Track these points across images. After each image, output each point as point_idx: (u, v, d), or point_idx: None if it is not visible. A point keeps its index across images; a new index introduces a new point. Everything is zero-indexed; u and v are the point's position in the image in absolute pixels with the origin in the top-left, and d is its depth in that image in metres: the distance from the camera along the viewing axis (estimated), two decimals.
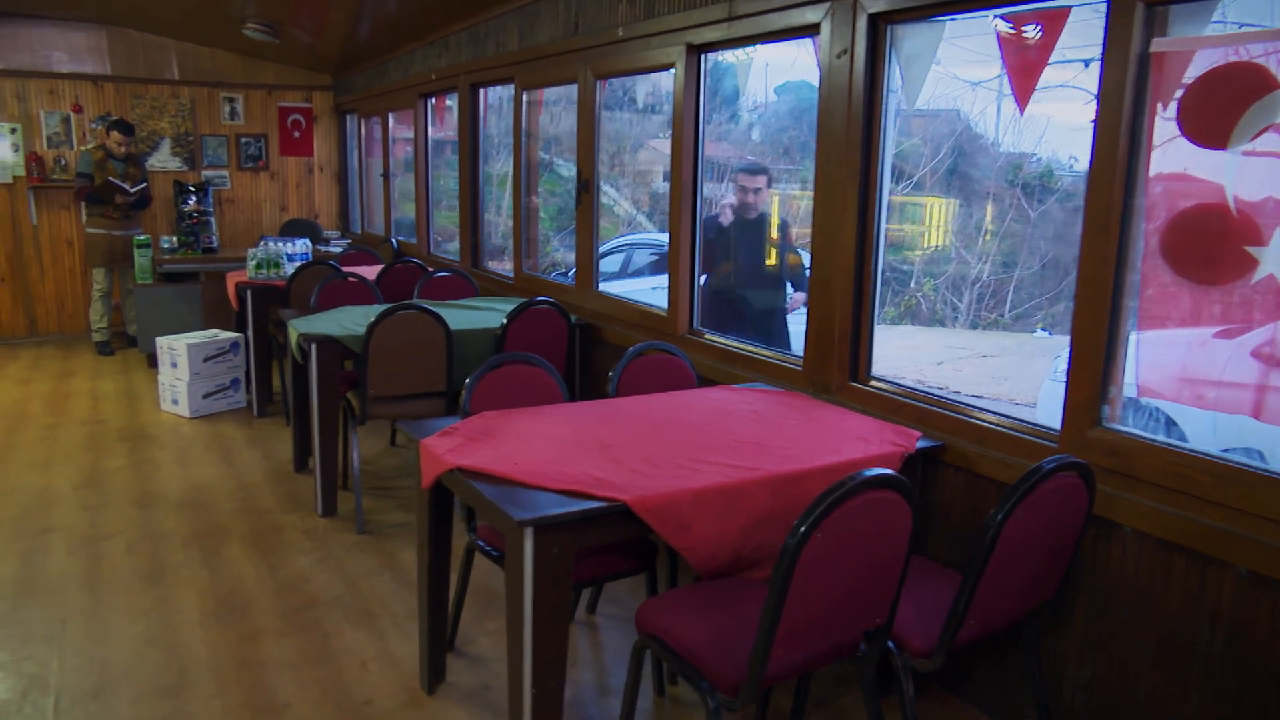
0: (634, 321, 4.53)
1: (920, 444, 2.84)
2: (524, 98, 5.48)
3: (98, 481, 4.81)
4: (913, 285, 10.63)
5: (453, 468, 2.45)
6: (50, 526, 4.23)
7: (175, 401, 6.03)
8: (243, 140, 9.18)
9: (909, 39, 3.05)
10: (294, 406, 4.88)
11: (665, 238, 8.67)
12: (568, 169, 11.42)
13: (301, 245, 6.32)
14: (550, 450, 2.60)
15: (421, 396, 4.30)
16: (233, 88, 9.07)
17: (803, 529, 1.90)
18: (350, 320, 4.42)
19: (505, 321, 4.29)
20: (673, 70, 4.07)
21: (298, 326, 4.28)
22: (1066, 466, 2.21)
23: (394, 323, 4.07)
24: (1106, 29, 2.31)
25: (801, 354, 3.53)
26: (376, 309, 4.67)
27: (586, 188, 4.78)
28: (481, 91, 6.21)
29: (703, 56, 4.05)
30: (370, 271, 5.83)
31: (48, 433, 5.66)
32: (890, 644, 2.33)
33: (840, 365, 3.34)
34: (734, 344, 3.93)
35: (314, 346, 4.15)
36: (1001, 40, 2.72)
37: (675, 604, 2.44)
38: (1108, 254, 2.39)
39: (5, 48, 8.17)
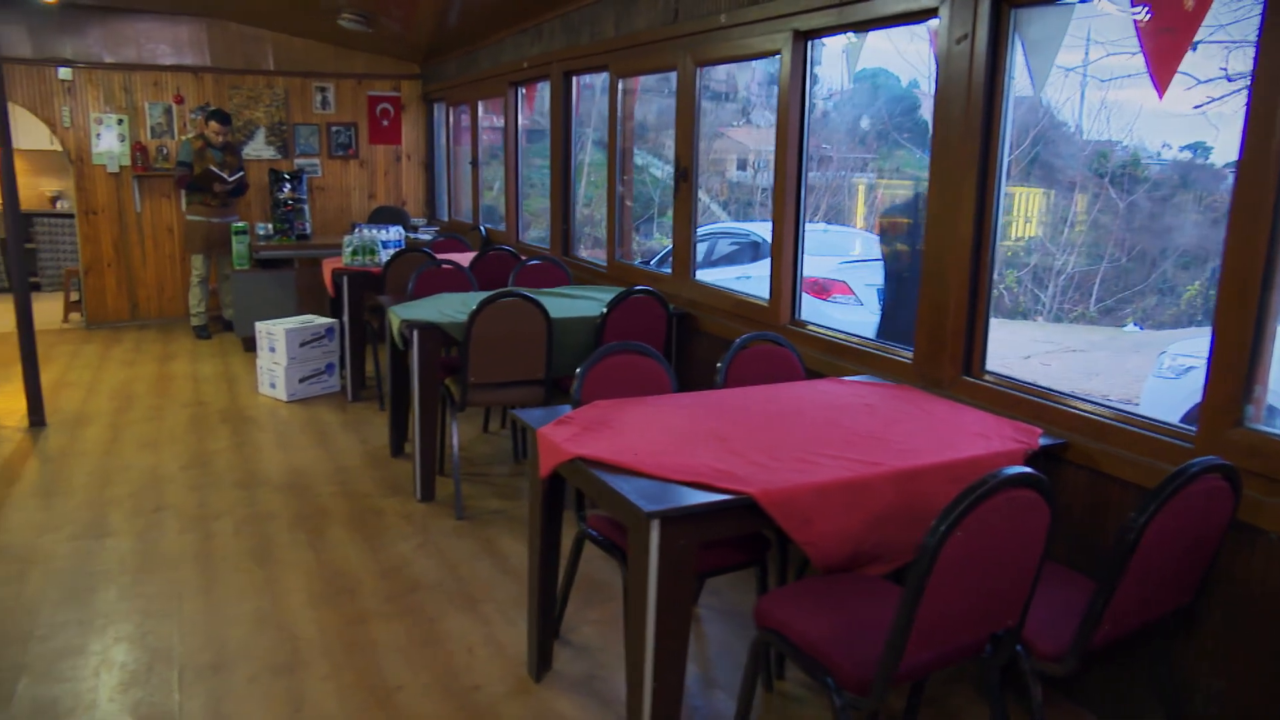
0: (732, 311, 4.49)
1: (1042, 441, 2.76)
2: (619, 86, 5.46)
3: (203, 462, 4.95)
4: (994, 277, 10.40)
5: (573, 457, 2.45)
6: (162, 505, 4.36)
7: (273, 385, 6.17)
8: (333, 129, 9.34)
9: (1035, 23, 2.95)
10: (391, 392, 4.94)
11: (748, 227, 8.61)
12: (642, 158, 11.40)
13: (395, 232, 6.40)
14: (667, 441, 2.58)
15: (520, 384, 4.32)
16: (324, 77, 9.23)
17: (943, 527, 1.86)
18: (450, 307, 4.46)
19: (605, 310, 4.29)
20: (778, 57, 4.01)
21: (400, 313, 4.33)
22: (1213, 469, 2.12)
23: (496, 310, 4.09)
24: (1265, 10, 2.20)
25: (904, 347, 3.47)
26: (475, 296, 4.71)
27: (685, 176, 4.75)
28: (574, 80, 6.22)
29: (809, 44, 3.98)
30: (461, 259, 5.88)
31: (154, 414, 5.84)
32: (1019, 647, 2.27)
33: (953, 359, 3.26)
34: (839, 335, 3.87)
35: (415, 333, 4.20)
36: (1139, 22, 2.61)
37: (794, 598, 2.41)
38: (1258, 247, 2.28)
39: (113, 42, 8.43)
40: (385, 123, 9.54)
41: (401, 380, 4.96)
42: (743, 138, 11.75)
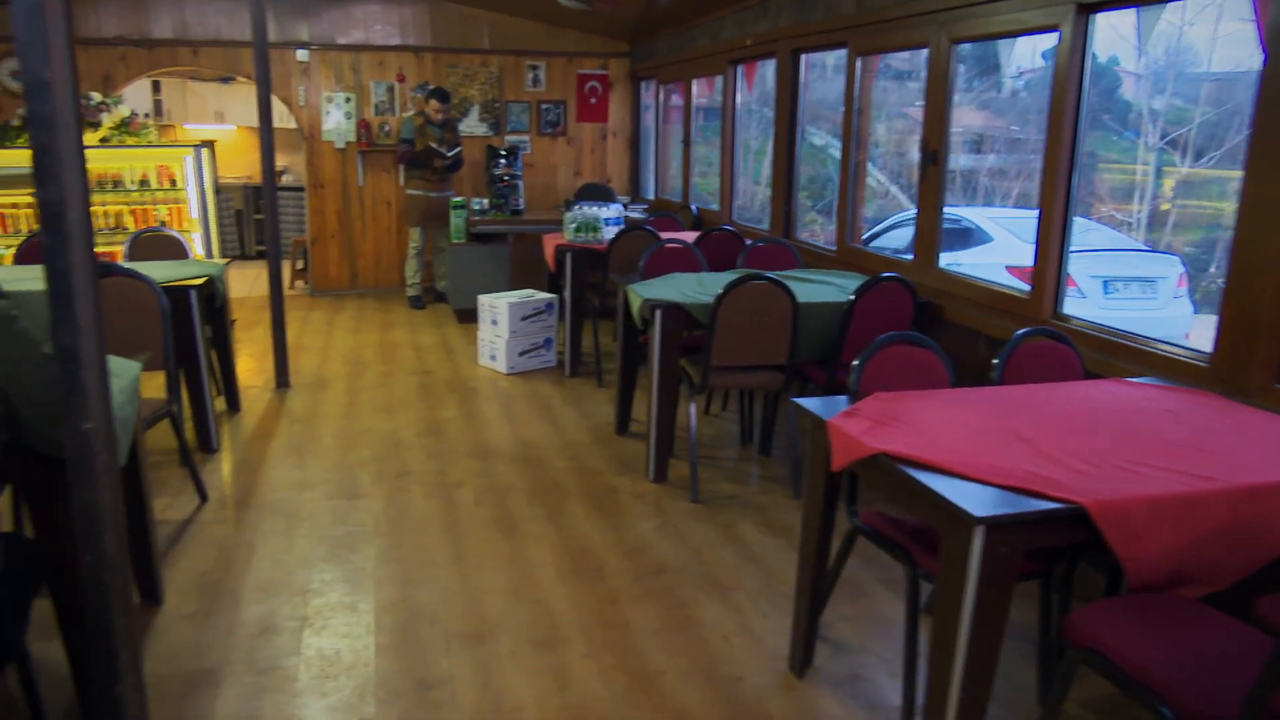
0: (983, 302, 4.25)
1: None
2: (857, 65, 5.26)
3: (436, 430, 5.10)
4: (1212, 270, 9.58)
5: (876, 452, 2.33)
6: (405, 470, 4.50)
7: (493, 357, 6.31)
8: (543, 106, 9.49)
9: None
10: (620, 370, 4.95)
11: (959, 212, 8.20)
12: (820, 138, 11.07)
13: (615, 210, 6.42)
14: (967, 440, 2.43)
15: (760, 369, 4.23)
16: (536, 56, 9.37)
17: None
18: (687, 287, 4.41)
19: (853, 297, 4.13)
20: (1058, 33, 3.73)
21: (640, 292, 4.31)
22: None
23: (743, 293, 4.00)
24: None
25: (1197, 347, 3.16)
26: (711, 277, 4.64)
27: (934, 159, 4.52)
28: (803, 58, 6.04)
29: (1091, 18, 3.69)
30: (679, 238, 5.83)
31: (384, 380, 6.07)
32: None
33: (1267, 365, 2.95)
34: (1117, 333, 3.59)
35: (659, 313, 4.16)
36: None
37: (1110, 617, 2.22)
38: None
39: (345, 24, 8.82)
40: (593, 100, 9.61)
41: (631, 359, 4.96)
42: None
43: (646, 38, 9.07)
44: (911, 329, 4.30)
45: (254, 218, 11.52)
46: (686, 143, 8.11)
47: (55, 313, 1.75)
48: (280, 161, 11.92)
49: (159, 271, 4.39)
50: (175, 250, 5.23)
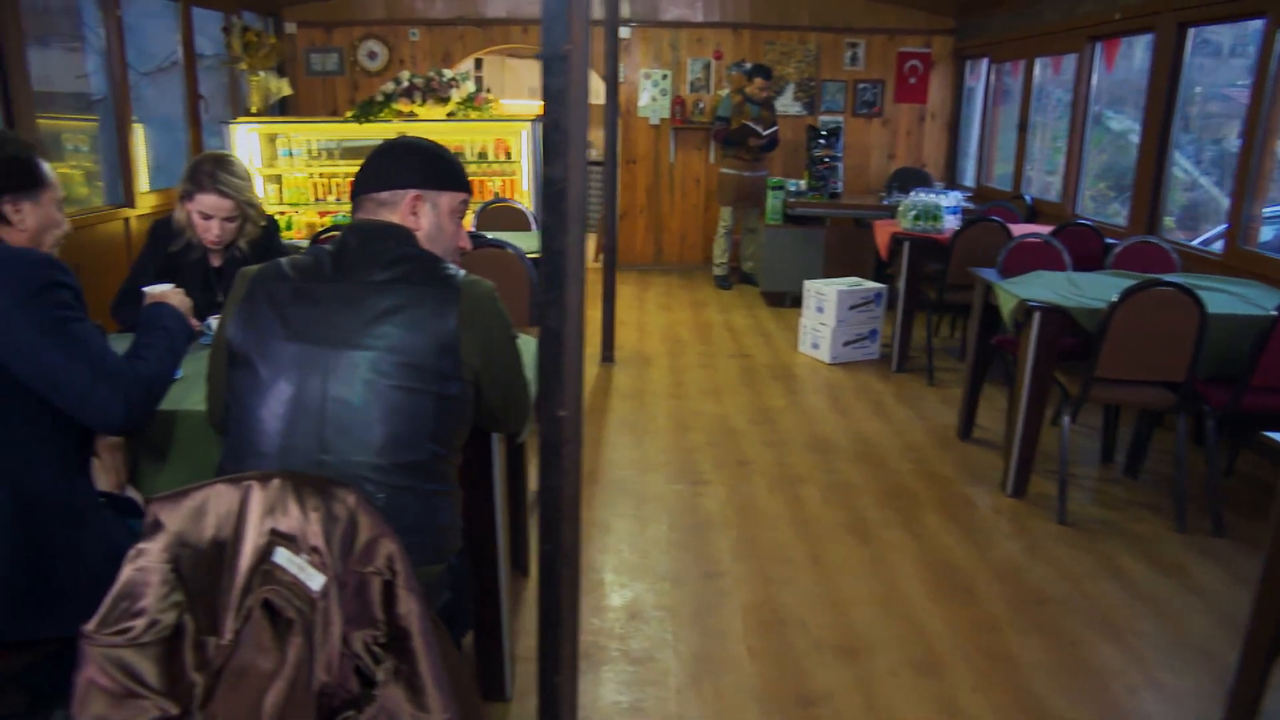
0: None
1: None
2: (1277, 37, 4.58)
3: (768, 418, 4.97)
4: None
5: None
6: (744, 459, 4.41)
7: (815, 346, 6.11)
8: (860, 86, 9.14)
9: None
10: (971, 371, 4.61)
11: None
12: (1118, 121, 9.89)
13: (954, 198, 6.02)
14: None
15: (1150, 385, 3.77)
16: (856, 33, 9.03)
17: None
18: (1061, 288, 4.01)
19: (1276, 312, 3.58)
20: None
21: (1014, 291, 3.95)
22: None
23: (1144, 299, 3.56)
24: None
25: None
26: (1084, 277, 4.22)
27: None
28: (1190, 32, 5.37)
29: None
30: (1018, 230, 5.36)
31: (705, 360, 6.03)
32: None
33: None
34: None
35: (1037, 315, 3.80)
36: None
37: None
38: None
39: (666, 1, 8.88)
40: (913, 80, 9.15)
41: (982, 359, 4.61)
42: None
43: (977, 13, 8.49)
44: None
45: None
46: (1023, 127, 7.52)
47: (545, 294, 1.71)
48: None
49: (517, 243, 4.50)
50: (520, 221, 5.40)
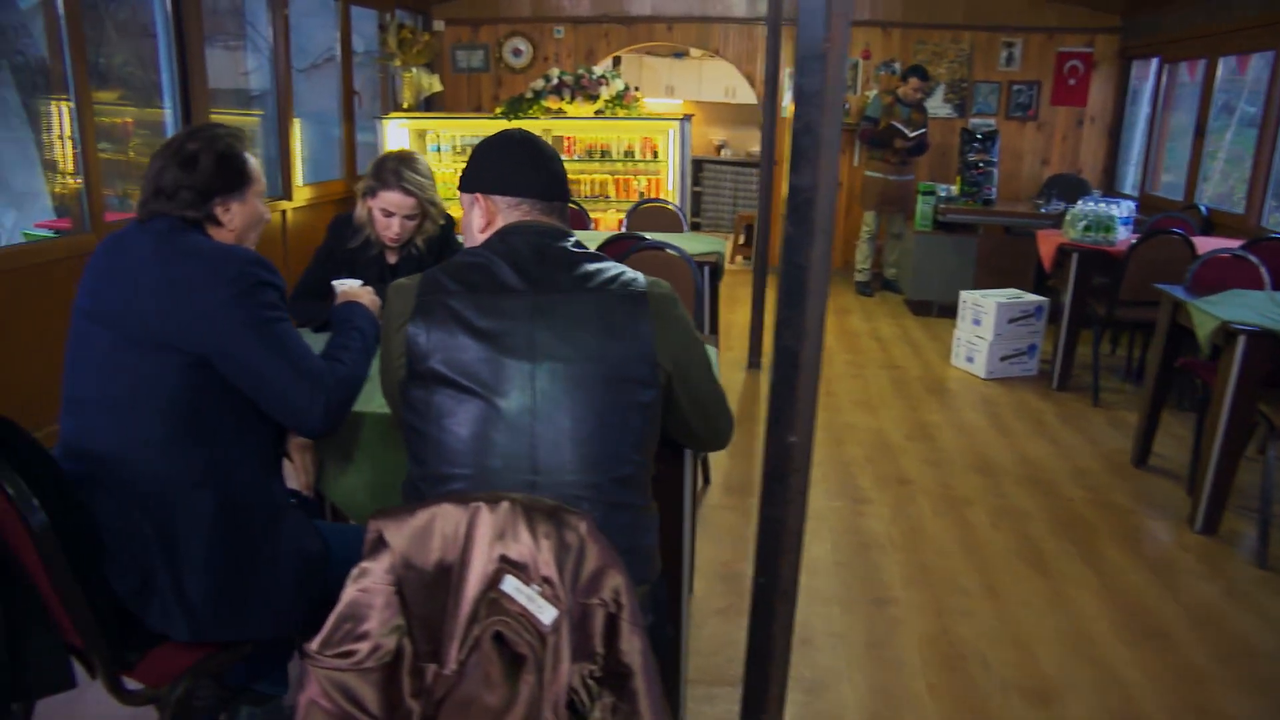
0: None
1: None
2: None
3: (925, 434, 4.75)
4: None
5: None
6: (904, 478, 4.21)
7: (970, 359, 5.84)
8: (1014, 87, 8.74)
9: None
10: (1151, 393, 4.30)
11: None
12: None
13: (1126, 208, 5.66)
14: None
15: None
16: (1013, 32, 8.63)
17: None
18: (1266, 309, 3.68)
19: None
20: None
21: (1215, 312, 3.65)
22: None
23: None
24: None
25: None
26: None
27: None
28: None
29: None
30: (1203, 244, 5.00)
31: (854, 370, 5.84)
32: None
33: None
34: None
35: (1243, 339, 3.50)
36: None
37: None
38: None
39: None
40: (1072, 82, 8.70)
41: (1165, 382, 4.30)
42: None
43: (1148, 10, 8.00)
44: None
45: (691, 190, 11.82)
46: (1201, 132, 7.04)
47: (784, 311, 1.59)
48: (720, 135, 12.16)
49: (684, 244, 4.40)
50: (673, 223, 5.31)
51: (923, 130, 7.75)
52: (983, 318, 5.71)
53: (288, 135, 6.50)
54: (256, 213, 2.01)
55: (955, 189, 7.53)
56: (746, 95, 11.11)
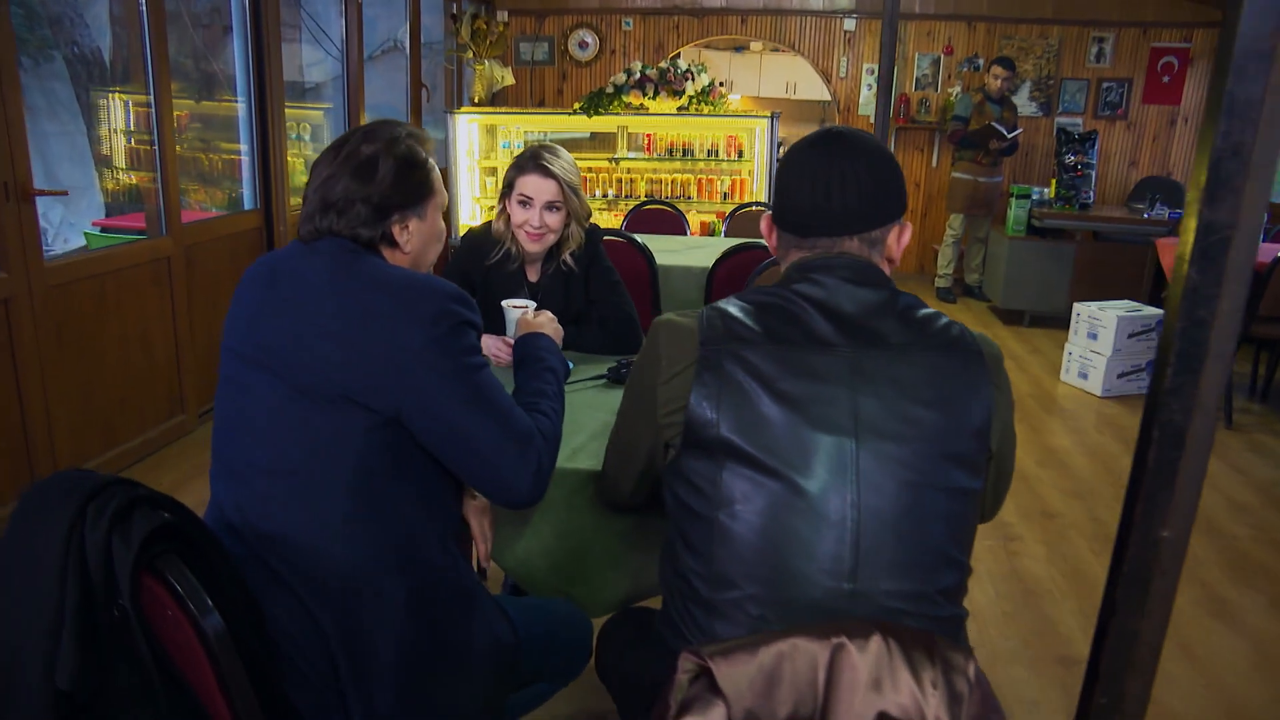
0: None
1: None
2: None
3: (1056, 460, 4.42)
4: None
5: None
6: (1049, 510, 3.89)
7: (1084, 375, 5.50)
8: (1104, 85, 8.36)
9: None
10: None
11: None
12: None
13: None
14: None
15: None
16: (1105, 26, 8.25)
17: None
18: None
19: None
20: None
21: None
22: None
23: None
24: None
25: None
26: None
27: None
28: None
29: None
30: None
31: None
32: None
33: None
34: None
35: None
36: None
37: None
38: None
39: None
40: (1166, 79, 8.31)
41: None
42: None
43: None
44: None
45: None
46: None
47: (1173, 377, 1.28)
48: (781, 133, 11.80)
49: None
50: None
51: (1019, 130, 7.40)
52: (1099, 331, 5.36)
53: None
54: (436, 231, 1.68)
55: (1050, 192, 7.17)
56: (808, 91, 10.77)
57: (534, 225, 2.57)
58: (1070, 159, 7.03)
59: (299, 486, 1.47)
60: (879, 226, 1.40)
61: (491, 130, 7.06)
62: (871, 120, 8.42)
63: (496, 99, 8.26)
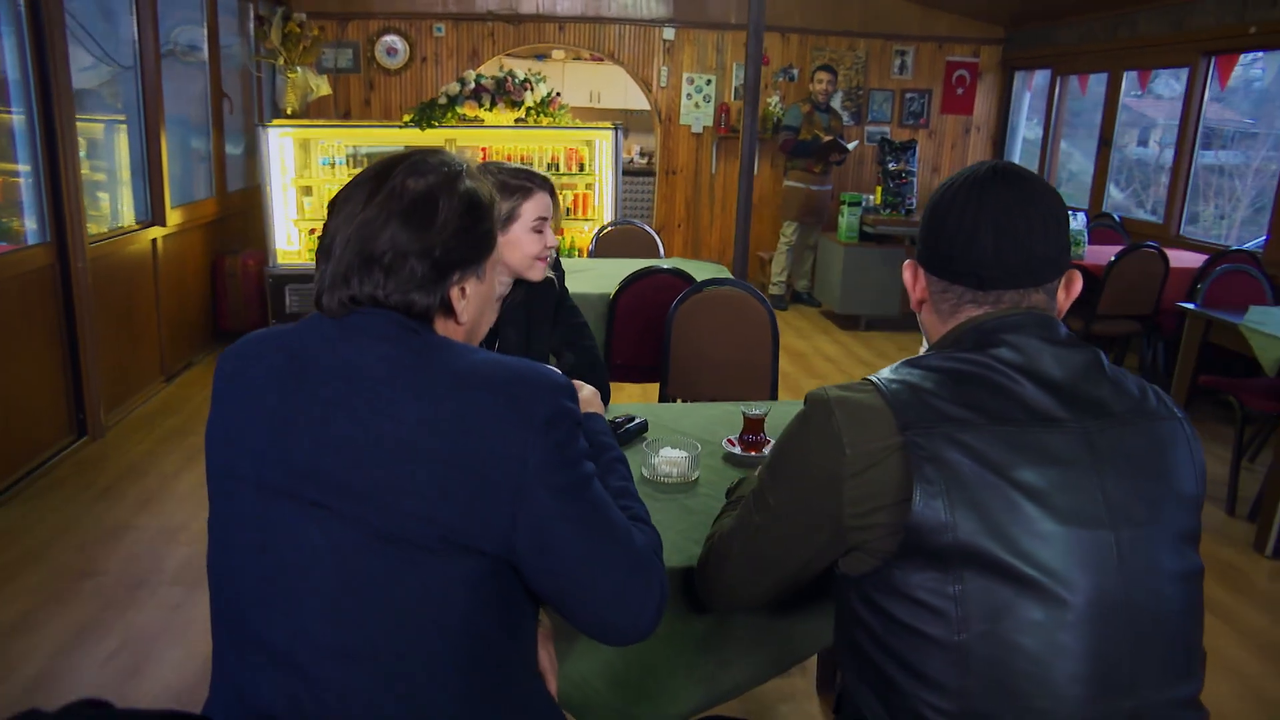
0: None
1: None
2: None
3: None
4: None
5: None
6: None
7: None
8: (907, 95, 8.75)
9: None
10: None
11: None
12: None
13: (1081, 220, 5.62)
14: None
15: None
16: (906, 40, 8.63)
17: None
18: None
19: None
20: None
21: (1272, 332, 3.54)
22: None
23: None
24: None
25: None
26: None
27: None
28: None
29: None
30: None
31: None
32: None
33: None
34: None
35: None
36: None
37: None
38: None
39: (712, 1, 8.34)
40: (960, 91, 8.80)
41: (1189, 400, 4.21)
42: None
43: (1035, 22, 8.17)
44: None
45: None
46: (1107, 142, 7.20)
47: None
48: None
49: (700, 273, 3.92)
50: (648, 246, 4.81)
51: (855, 141, 7.62)
52: None
53: (158, 146, 5.51)
54: (491, 295, 1.30)
55: (876, 199, 7.40)
56: (611, 100, 10.60)
57: (550, 244, 2.26)
58: (893, 166, 7.27)
59: (390, 674, 1.07)
60: (1062, 274, 1.23)
61: (306, 145, 6.46)
62: (694, 130, 8.45)
63: (307, 111, 7.62)
